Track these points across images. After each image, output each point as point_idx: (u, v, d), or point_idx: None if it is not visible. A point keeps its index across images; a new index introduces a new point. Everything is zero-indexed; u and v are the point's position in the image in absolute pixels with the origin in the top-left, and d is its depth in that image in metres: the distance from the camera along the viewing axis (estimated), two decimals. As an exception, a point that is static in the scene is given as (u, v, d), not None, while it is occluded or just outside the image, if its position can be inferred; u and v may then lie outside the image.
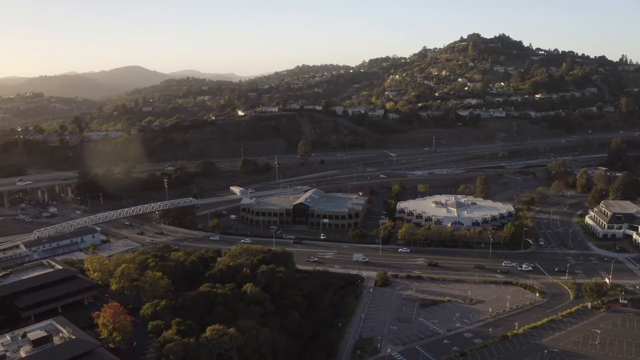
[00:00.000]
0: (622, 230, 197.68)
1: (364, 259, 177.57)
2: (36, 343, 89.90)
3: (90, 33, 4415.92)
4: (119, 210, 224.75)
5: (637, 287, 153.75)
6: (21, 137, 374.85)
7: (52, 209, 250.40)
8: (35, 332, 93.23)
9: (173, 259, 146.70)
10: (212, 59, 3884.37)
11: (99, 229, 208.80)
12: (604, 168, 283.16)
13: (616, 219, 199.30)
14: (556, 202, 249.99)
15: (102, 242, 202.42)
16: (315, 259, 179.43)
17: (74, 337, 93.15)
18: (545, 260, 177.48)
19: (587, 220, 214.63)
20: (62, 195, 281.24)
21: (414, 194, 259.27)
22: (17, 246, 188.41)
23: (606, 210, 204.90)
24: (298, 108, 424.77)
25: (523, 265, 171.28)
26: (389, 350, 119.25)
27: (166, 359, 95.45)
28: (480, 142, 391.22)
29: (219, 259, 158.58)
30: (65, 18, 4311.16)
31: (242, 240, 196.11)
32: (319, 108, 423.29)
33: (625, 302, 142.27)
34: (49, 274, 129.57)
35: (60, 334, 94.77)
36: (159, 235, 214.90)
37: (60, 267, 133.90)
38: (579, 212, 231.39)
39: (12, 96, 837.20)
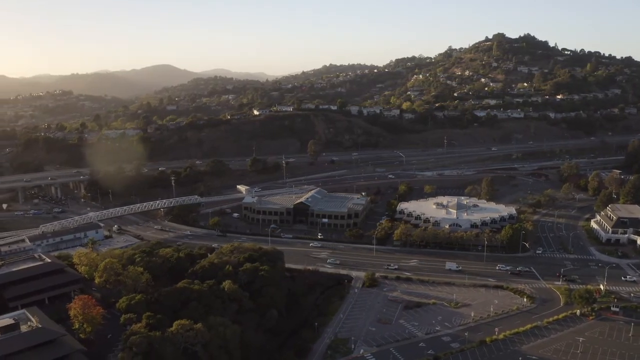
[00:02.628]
0: (627, 235, 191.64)
1: (457, 267, 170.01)
2: (3, 330, 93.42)
3: (125, 32, 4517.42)
4: (124, 207, 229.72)
5: (632, 294, 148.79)
6: (42, 134, 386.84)
7: (93, 214, 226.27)
8: (4, 320, 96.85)
9: (161, 255, 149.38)
10: (243, 58, 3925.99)
11: (102, 224, 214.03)
12: (618, 171, 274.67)
13: (621, 223, 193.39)
14: (565, 205, 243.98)
15: (105, 238, 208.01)
16: (396, 266, 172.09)
17: (40, 326, 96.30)
18: (541, 265, 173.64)
19: (593, 224, 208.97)
20: (76, 191, 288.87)
21: (421, 195, 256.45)
22: (22, 240, 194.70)
23: (612, 214, 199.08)
24: (313, 108, 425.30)
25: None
26: (361, 351, 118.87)
27: (129, 351, 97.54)
28: (496, 143, 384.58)
29: (210, 255, 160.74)
30: (99, 16, 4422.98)
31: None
32: (334, 108, 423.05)
33: (617, 310, 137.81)
34: (36, 267, 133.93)
35: (29, 323, 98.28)
36: (161, 231, 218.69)
37: (49, 261, 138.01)
38: (587, 216, 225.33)
39: (41, 94, 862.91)
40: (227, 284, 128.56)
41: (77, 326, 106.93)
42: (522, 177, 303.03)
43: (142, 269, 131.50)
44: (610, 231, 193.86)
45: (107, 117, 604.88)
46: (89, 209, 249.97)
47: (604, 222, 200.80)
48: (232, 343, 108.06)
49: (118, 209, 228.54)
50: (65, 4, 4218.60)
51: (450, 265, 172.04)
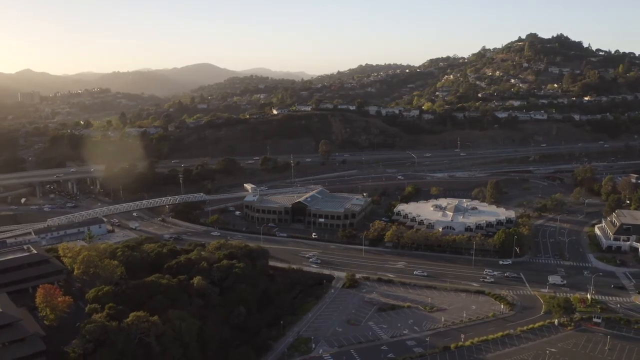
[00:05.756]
0: (629, 243, 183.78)
1: (561, 282, 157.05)
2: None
3: (168, 30, 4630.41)
4: (130, 203, 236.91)
5: (619, 305, 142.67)
6: (69, 131, 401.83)
7: (135, 224, 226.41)
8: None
9: (143, 250, 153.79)
10: (284, 58, 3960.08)
11: (105, 219, 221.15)
12: (636, 175, 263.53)
13: (624, 230, 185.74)
14: (574, 210, 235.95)
15: (108, 232, 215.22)
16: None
17: (0, 311, 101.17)
18: (532, 271, 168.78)
19: (596, 230, 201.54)
20: (92, 187, 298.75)
21: (428, 197, 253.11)
22: (29, 233, 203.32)
23: (615, 220, 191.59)
24: (331, 107, 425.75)
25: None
26: (320, 351, 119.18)
27: (82, 338, 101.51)
28: (515, 145, 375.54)
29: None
30: (144, 15, 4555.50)
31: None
32: (352, 108, 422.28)
33: (599, 321, 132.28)
34: (22, 257, 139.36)
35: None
36: (163, 227, 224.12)
37: (35, 252, 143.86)
38: (594, 222, 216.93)
39: (80, 91, 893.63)
40: (196, 280, 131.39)
41: (43, 313, 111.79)
42: (536, 180, 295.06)
43: (117, 262, 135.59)
44: (611, 238, 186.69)
45: (139, 115, 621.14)
46: (99, 204, 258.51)
47: (607, 229, 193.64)
48: (188, 336, 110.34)
49: (124, 204, 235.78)
50: (110, 6, 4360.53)
51: (554, 279, 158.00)
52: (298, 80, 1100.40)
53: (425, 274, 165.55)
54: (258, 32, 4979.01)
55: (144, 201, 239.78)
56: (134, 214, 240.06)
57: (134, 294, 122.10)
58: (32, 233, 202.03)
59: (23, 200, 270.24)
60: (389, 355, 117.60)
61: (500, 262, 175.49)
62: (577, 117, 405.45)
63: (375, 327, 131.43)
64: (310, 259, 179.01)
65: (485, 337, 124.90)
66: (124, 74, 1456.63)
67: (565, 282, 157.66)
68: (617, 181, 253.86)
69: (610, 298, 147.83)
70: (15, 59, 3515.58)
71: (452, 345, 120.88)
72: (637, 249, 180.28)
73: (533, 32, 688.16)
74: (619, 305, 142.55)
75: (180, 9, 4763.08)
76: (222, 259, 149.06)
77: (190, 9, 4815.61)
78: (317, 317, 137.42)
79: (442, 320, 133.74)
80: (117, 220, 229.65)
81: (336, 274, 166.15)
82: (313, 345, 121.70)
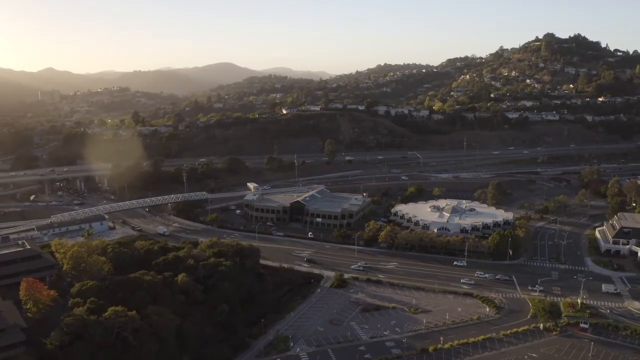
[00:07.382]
0: (628, 247, 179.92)
1: (615, 290, 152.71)
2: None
3: (191, 29, 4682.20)
4: (133, 201, 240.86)
5: (609, 311, 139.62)
6: (82, 130, 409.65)
7: (162, 229, 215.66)
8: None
9: (134, 247, 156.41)
10: (305, 57, 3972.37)
11: (107, 216, 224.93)
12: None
13: (624, 233, 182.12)
14: (577, 212, 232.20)
15: (109, 229, 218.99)
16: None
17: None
18: (525, 274, 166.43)
19: (596, 233, 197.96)
20: (99, 185, 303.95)
21: (431, 197, 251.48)
22: (32, 229, 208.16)
23: (616, 224, 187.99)
24: (340, 107, 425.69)
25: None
26: (298, 350, 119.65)
27: (60, 331, 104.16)
28: (525, 145, 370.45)
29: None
30: (166, 16, 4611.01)
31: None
32: (361, 107, 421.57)
33: (586, 326, 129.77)
34: (14, 252, 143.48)
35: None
36: (163, 225, 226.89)
37: (29, 247, 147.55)
38: (597, 224, 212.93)
39: (99, 90, 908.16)
40: (180, 277, 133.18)
41: (27, 306, 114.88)
42: (543, 181, 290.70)
43: (104, 258, 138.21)
44: (610, 241, 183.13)
45: (155, 114, 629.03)
46: (104, 201, 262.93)
47: (607, 232, 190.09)
48: (165, 332, 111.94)
49: (127, 202, 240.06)
50: (134, 5, 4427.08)
51: (608, 287, 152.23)
52: (318, 79, 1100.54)
53: (472, 282, 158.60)
54: (280, 32, 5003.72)
55: (147, 199, 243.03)
56: (160, 215, 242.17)
57: (118, 290, 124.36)
58: (35, 229, 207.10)
59: (32, 197, 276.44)
60: (365, 356, 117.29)
61: (455, 263, 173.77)
62: (589, 118, 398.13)
63: (356, 328, 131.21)
64: (353, 266, 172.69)
65: (465, 340, 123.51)
66: (144, 73, 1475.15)
67: (618, 290, 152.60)
68: (625, 183, 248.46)
69: (602, 303, 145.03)
70: (39, 58, 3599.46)
71: (431, 348, 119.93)
72: (637, 253, 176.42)
73: (551, 32, 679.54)
74: (609, 311, 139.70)
75: (204, 8, 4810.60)
76: (210, 257, 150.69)
77: (213, 8, 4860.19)
78: (300, 316, 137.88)
79: (424, 322, 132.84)
80: (138, 225, 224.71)
81: (326, 273, 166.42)
82: (291, 344, 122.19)
